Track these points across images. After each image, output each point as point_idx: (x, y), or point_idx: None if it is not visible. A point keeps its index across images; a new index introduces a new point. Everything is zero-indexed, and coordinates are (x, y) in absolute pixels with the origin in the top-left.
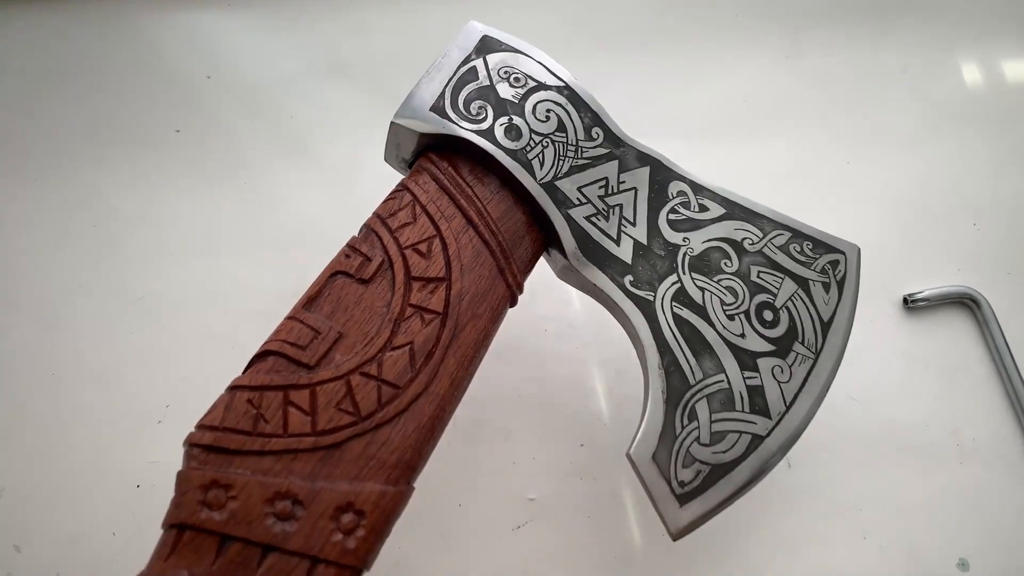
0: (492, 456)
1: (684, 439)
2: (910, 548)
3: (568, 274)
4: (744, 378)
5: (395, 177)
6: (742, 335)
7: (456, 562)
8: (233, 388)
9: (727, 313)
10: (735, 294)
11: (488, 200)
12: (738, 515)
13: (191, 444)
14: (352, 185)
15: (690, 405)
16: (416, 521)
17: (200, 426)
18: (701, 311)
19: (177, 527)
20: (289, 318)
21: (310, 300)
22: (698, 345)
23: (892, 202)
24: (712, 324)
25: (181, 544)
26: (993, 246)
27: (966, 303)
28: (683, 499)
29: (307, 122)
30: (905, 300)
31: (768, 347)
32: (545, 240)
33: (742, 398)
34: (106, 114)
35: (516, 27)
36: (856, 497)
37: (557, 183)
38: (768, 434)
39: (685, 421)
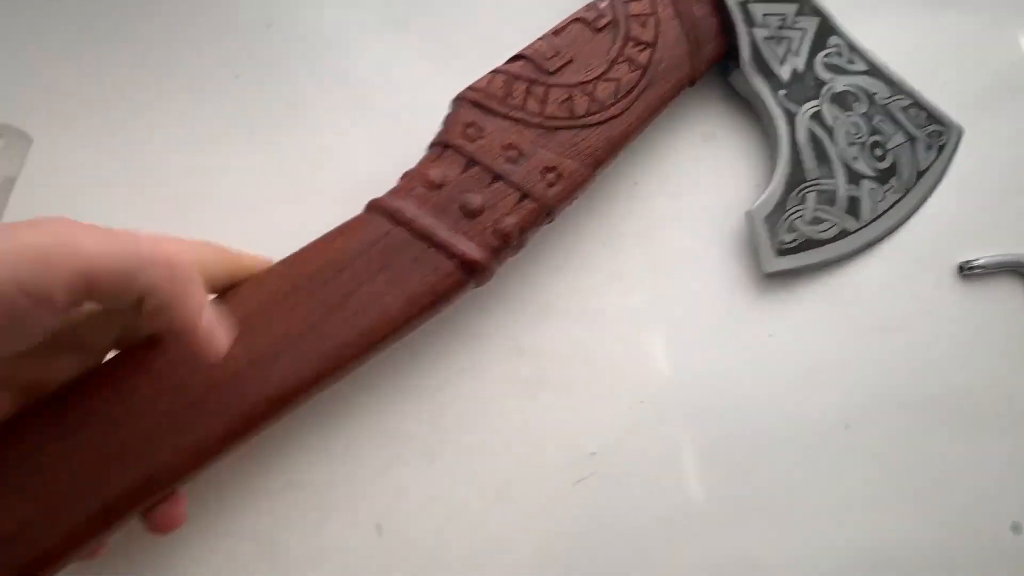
0: (552, 411)
1: (792, 214)
2: (962, 511)
3: (737, 80)
4: (847, 188)
5: None
6: (855, 159)
7: (516, 514)
8: (495, 71)
9: (848, 140)
10: (858, 128)
11: (695, 3)
12: (790, 474)
13: (462, 98)
14: (410, 139)
15: (803, 192)
16: (475, 474)
17: (469, 88)
18: (829, 132)
19: (441, 145)
20: (540, 39)
21: (556, 32)
22: (820, 154)
23: (949, 171)
24: (835, 143)
25: (442, 157)
26: None
27: (1021, 272)
28: (779, 252)
29: (367, 74)
30: (960, 268)
31: (871, 173)
32: (727, 49)
33: (842, 200)
34: (163, 58)
35: None
36: (908, 461)
37: (748, 6)
38: (854, 231)
39: (796, 203)
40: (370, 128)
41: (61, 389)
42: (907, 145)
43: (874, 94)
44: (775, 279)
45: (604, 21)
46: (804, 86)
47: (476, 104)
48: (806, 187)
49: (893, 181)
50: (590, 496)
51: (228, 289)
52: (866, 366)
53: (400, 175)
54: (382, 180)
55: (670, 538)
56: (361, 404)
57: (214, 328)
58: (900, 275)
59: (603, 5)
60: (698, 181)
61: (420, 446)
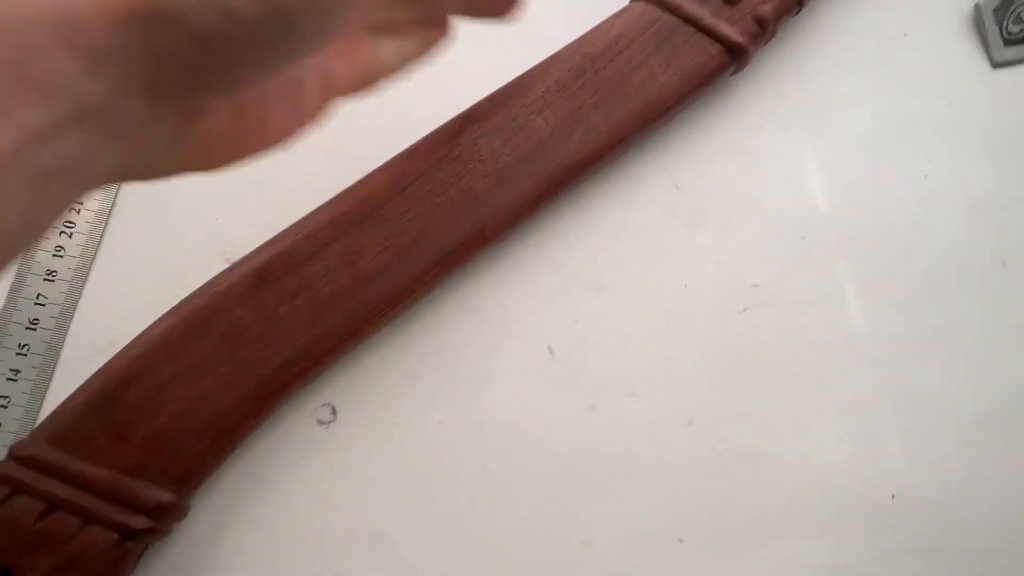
0: (716, 244)
1: (1019, 6)
2: None
3: None
4: None
5: None
6: None
7: (684, 338)
8: None
9: None
10: None
11: None
12: (950, 308)
13: None
14: None
15: None
16: (645, 299)
17: None
18: None
19: None
20: None
21: None
22: None
23: None
24: None
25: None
26: None
27: None
28: (1007, 43)
29: None
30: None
31: None
32: None
33: None
34: None
35: None
36: None
37: None
38: None
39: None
40: None
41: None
42: None
43: None
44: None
45: None
46: None
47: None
48: None
49: None
50: (755, 324)
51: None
52: None
53: None
54: None
55: (834, 365)
56: (530, 237)
57: None
58: None
59: None
60: None
61: (588, 276)
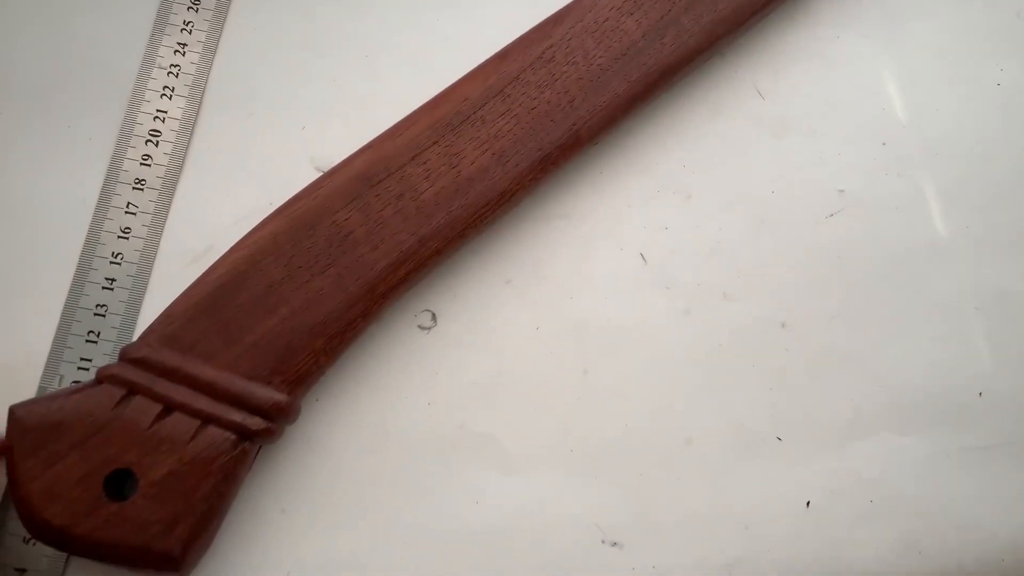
0: (800, 151)
1: None
2: None
3: None
4: None
5: None
6: None
7: (774, 243)
8: None
9: None
10: None
11: None
12: None
13: None
14: None
15: None
16: (734, 204)
17: None
18: None
19: None
20: None
21: None
22: None
23: None
24: None
25: None
26: None
27: None
28: None
29: None
30: None
31: None
32: None
33: None
34: None
35: None
36: None
37: None
38: None
39: None
40: None
41: None
42: None
43: None
44: None
45: None
46: None
47: None
48: None
49: None
50: (842, 229)
51: None
52: None
53: None
54: None
55: (919, 269)
56: (620, 145)
57: None
58: None
59: None
60: None
61: (677, 183)
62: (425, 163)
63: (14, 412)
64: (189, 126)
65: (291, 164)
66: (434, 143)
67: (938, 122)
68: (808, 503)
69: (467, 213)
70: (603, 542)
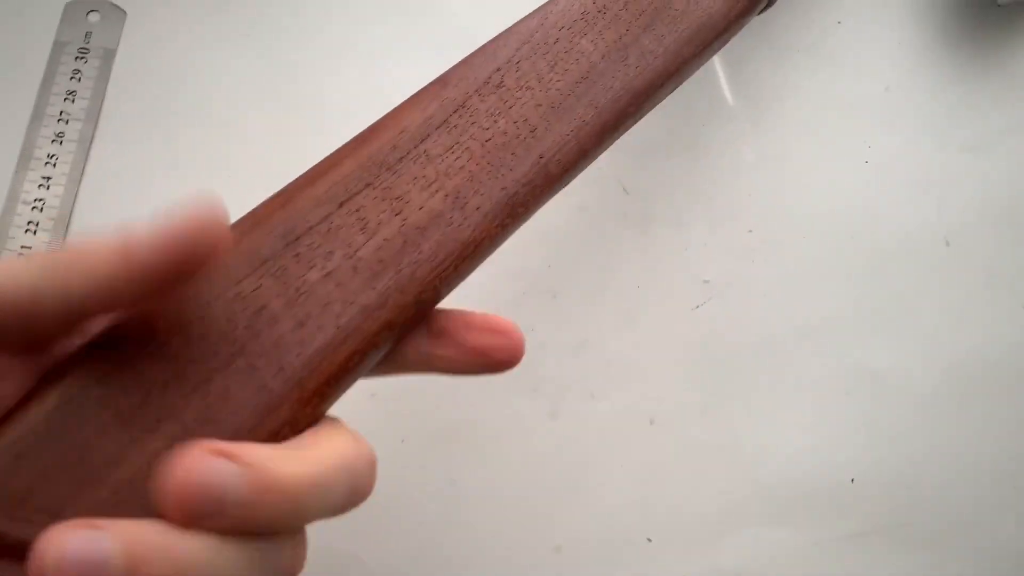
0: (665, 243)
1: None
2: None
3: None
4: None
5: None
6: None
7: (640, 338)
8: None
9: None
10: None
11: None
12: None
13: None
14: None
15: None
16: (599, 302)
17: None
18: None
19: None
20: None
21: None
22: None
23: None
24: None
25: None
26: None
27: None
28: None
29: None
30: None
31: None
32: None
33: None
34: None
35: None
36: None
37: None
38: None
39: None
40: None
41: None
42: None
43: None
44: None
45: None
46: None
47: None
48: None
49: None
50: (708, 320)
51: None
52: None
53: None
54: None
55: (787, 353)
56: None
57: None
58: None
59: None
60: None
61: (544, 283)
62: (358, 210)
63: None
64: None
65: None
66: (367, 185)
67: (807, 202)
68: None
69: (423, 271)
70: None
